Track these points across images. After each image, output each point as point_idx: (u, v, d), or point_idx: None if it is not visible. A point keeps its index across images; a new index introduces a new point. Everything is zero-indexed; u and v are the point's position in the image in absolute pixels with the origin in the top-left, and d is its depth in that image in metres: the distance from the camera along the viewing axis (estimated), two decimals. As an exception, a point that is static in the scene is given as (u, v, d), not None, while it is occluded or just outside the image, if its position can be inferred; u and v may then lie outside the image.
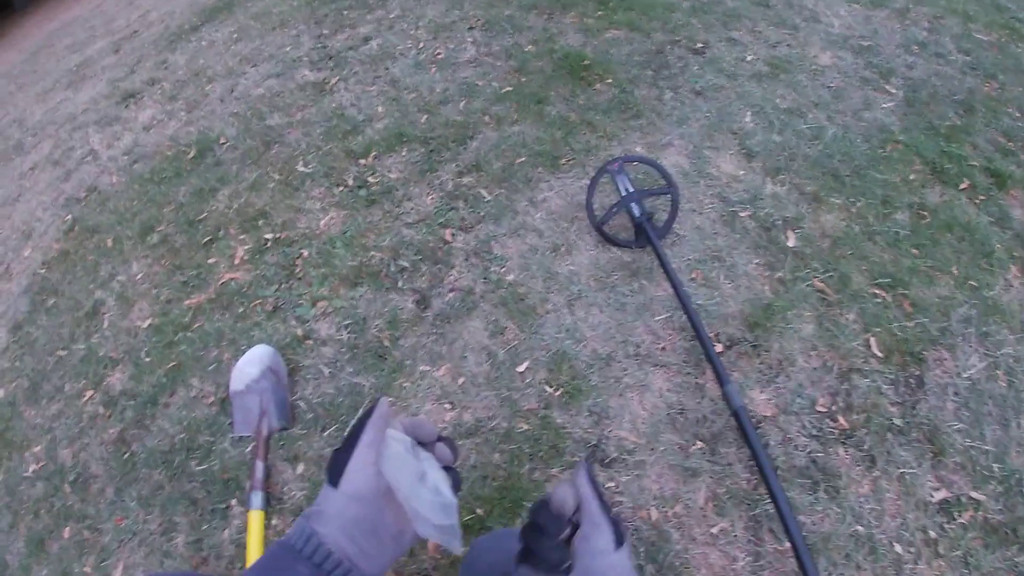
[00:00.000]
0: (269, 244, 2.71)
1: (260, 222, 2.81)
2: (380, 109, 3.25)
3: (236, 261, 2.67)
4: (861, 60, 3.24)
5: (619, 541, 0.67)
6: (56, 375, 2.61)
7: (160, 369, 2.41)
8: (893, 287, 2.26)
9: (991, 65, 3.24)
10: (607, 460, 1.92)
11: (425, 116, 3.13)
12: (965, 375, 2.07)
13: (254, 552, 1.86)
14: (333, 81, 3.53)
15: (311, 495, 1.96)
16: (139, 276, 2.81)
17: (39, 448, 2.40)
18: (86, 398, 2.46)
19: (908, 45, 3.35)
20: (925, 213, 2.51)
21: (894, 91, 3.06)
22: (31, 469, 2.36)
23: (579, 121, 2.93)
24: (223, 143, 3.35)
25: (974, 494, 1.85)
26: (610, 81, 3.13)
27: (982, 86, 3.11)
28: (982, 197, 2.58)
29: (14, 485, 2.35)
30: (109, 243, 3.06)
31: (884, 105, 2.98)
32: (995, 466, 1.90)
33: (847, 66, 3.20)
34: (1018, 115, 2.97)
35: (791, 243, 2.38)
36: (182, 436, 2.20)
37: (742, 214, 2.49)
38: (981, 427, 1.98)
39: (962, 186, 2.62)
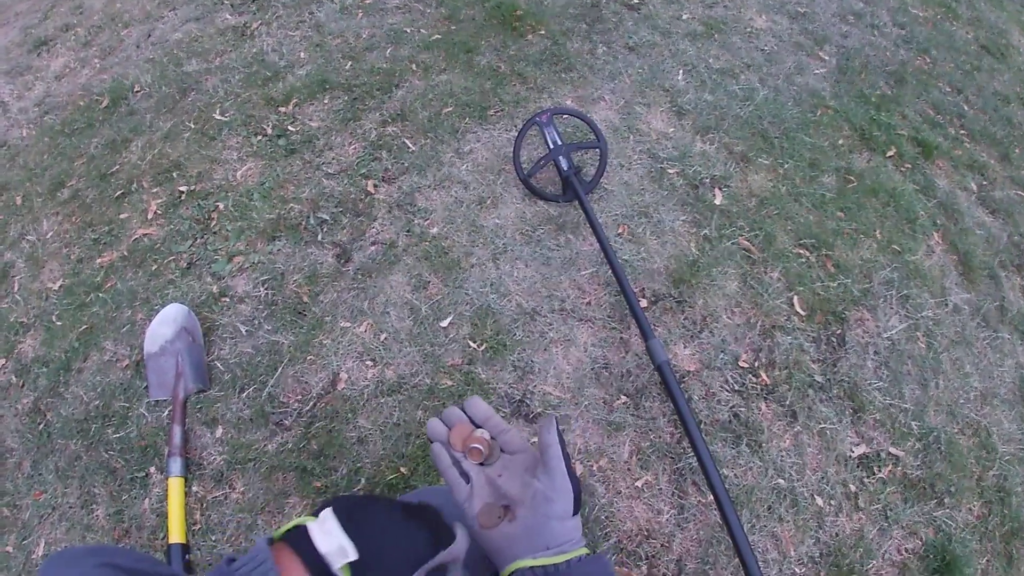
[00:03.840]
0: (183, 197, 2.58)
1: (174, 174, 2.68)
2: (303, 55, 3.10)
3: (149, 216, 2.54)
4: (796, 26, 3.26)
5: (577, 507, 0.65)
6: (-33, 344, 2.47)
7: (72, 333, 2.30)
8: (817, 248, 2.30)
9: (925, 40, 3.31)
10: (531, 415, 1.90)
11: (350, 63, 3.00)
12: (885, 335, 2.13)
13: (175, 520, 1.82)
14: (255, 25, 3.35)
15: (231, 459, 1.92)
16: (49, 235, 2.66)
17: (-48, 424, 2.29)
18: (-2, 367, 2.34)
19: (844, 15, 3.38)
20: (851, 178, 2.55)
21: (827, 58, 3.09)
22: (-54, 446, 2.25)
23: (509, 72, 2.87)
24: (137, 91, 3.16)
25: (893, 450, 1.91)
26: (543, 32, 3.06)
27: (914, 59, 3.18)
28: (908, 165, 2.65)
29: (-73, 465, 2.24)
30: (18, 200, 2.89)
31: (816, 71, 3.01)
32: (913, 424, 1.97)
33: (782, 30, 3.21)
34: (948, 89, 3.06)
35: (718, 201, 2.39)
36: (97, 403, 2.12)
37: (670, 171, 2.47)
38: (900, 386, 2.04)
39: (889, 154, 2.67)
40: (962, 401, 2.09)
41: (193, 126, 2.87)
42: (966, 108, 3.00)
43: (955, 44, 3.36)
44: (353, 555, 0.55)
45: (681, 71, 2.90)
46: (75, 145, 3.01)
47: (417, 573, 0.59)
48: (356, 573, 0.56)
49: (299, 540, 0.56)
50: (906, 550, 1.80)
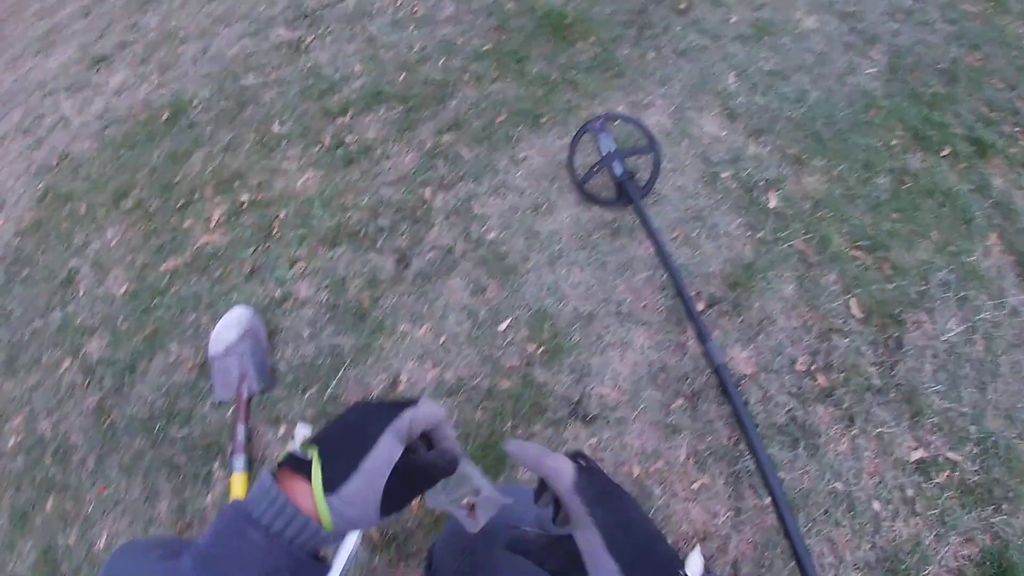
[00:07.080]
0: (245, 206, 2.65)
1: (236, 184, 2.76)
2: (357, 67, 3.17)
3: (212, 224, 2.62)
4: (846, 25, 3.21)
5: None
6: (33, 346, 2.55)
7: (137, 336, 2.37)
8: (873, 250, 2.27)
9: (976, 36, 3.22)
10: (589, 417, 1.92)
11: (403, 74, 3.06)
12: (943, 338, 2.09)
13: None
14: (309, 40, 3.44)
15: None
16: (114, 242, 2.75)
17: (18, 421, 2.36)
18: (64, 368, 2.41)
19: (893, 12, 3.31)
20: (906, 178, 2.51)
21: (878, 57, 3.04)
22: (11, 442, 2.32)
23: (560, 79, 2.89)
24: (196, 105, 3.26)
25: (951, 455, 1.87)
26: (592, 40, 3.08)
27: (966, 56, 3.09)
28: (963, 165, 2.58)
29: (-5, 460, 2.32)
30: (83, 210, 2.99)
31: (868, 71, 2.96)
32: (972, 428, 1.93)
33: (831, 30, 3.17)
34: (1001, 86, 2.96)
35: (772, 204, 2.38)
36: (162, 402, 2.18)
37: (724, 174, 2.47)
38: (958, 389, 1.99)
39: (944, 153, 2.61)
40: (1020, 405, 2.03)
41: (253, 138, 2.96)
42: (1020, 104, 2.92)
43: (1006, 39, 3.25)
44: (307, 430, 0.62)
45: (732, 74, 2.89)
46: (137, 157, 3.11)
47: (388, 430, 0.61)
48: (325, 453, 0.59)
49: (287, 458, 0.60)
50: (963, 556, 1.75)
